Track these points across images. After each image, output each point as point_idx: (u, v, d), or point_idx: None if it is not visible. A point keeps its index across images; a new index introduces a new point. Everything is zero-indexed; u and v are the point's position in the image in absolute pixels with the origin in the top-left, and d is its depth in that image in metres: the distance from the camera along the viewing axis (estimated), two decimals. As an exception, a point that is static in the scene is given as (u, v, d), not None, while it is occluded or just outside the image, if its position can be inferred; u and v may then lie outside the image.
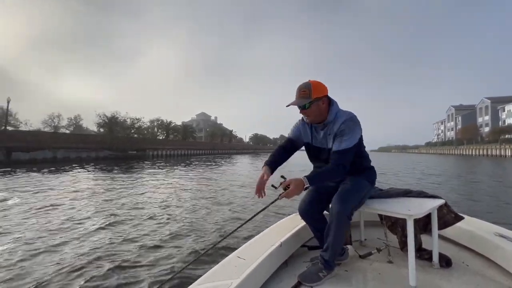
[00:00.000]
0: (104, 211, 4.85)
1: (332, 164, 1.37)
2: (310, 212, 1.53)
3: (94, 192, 6.78)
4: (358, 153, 1.46)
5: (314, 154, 1.55)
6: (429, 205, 1.40)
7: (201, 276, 1.18)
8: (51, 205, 5.25)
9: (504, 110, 51.88)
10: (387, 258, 1.57)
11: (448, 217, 1.58)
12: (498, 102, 54.80)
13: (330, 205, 1.40)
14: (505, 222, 4.14)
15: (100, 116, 31.72)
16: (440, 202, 1.49)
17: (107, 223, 4.11)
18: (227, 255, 1.38)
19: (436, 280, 1.36)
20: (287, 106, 1.45)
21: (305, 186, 1.33)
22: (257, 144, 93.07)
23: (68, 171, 12.07)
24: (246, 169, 15.18)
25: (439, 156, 48.34)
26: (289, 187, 1.31)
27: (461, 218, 1.59)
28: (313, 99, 1.38)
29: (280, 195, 1.35)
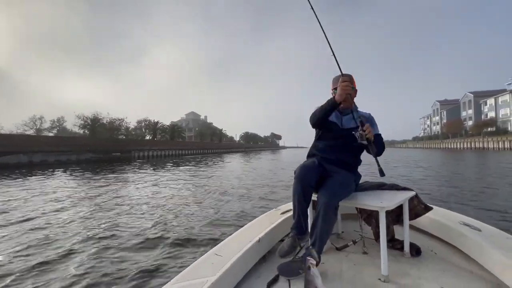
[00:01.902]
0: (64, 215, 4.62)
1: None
2: (307, 176, 1.49)
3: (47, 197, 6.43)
4: (361, 149, 1.65)
5: (334, 131, 1.68)
6: (400, 197, 1.45)
7: (176, 275, 1.15)
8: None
9: (486, 104, 53.45)
10: (362, 249, 1.63)
11: (418, 208, 1.65)
12: (480, 96, 56.40)
13: (318, 196, 1.44)
14: (471, 208, 4.36)
15: (80, 118, 30.49)
16: (411, 194, 1.55)
17: (76, 222, 3.95)
18: (204, 253, 1.37)
19: (407, 268, 1.42)
20: (333, 88, 1.66)
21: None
22: (248, 142, 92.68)
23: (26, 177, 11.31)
24: (231, 172, 14.74)
25: (425, 150, 49.36)
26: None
27: (430, 209, 1.66)
28: (353, 87, 1.64)
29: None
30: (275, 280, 1.33)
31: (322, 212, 1.36)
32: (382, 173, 1.52)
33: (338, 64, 1.59)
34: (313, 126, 1.69)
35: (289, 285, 1.30)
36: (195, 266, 1.23)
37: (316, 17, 1.70)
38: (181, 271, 1.18)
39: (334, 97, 1.52)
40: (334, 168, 1.57)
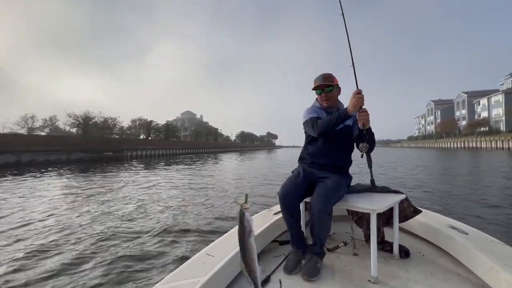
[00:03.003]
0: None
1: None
2: (289, 196, 1.50)
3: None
4: (351, 149, 1.70)
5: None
6: (391, 200, 1.47)
7: (167, 275, 1.15)
8: None
9: (479, 104, 54.10)
10: (353, 251, 1.65)
11: (408, 211, 1.68)
12: (473, 96, 57.09)
13: (310, 201, 1.47)
14: (459, 212, 4.32)
15: (71, 116, 29.88)
16: (401, 197, 1.57)
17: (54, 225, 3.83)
18: (196, 253, 1.36)
19: (396, 270, 1.44)
20: (313, 89, 1.67)
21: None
22: (244, 142, 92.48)
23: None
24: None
25: (420, 149, 49.76)
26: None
27: (419, 212, 1.69)
28: (335, 85, 1.65)
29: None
30: (266, 281, 1.34)
31: (316, 219, 1.41)
32: (373, 184, 1.60)
33: (355, 75, 1.62)
34: (319, 135, 1.60)
35: (280, 286, 1.30)
36: (186, 266, 1.22)
37: (345, 23, 1.71)
38: (172, 271, 1.18)
39: (346, 108, 1.49)
40: (325, 173, 1.58)
